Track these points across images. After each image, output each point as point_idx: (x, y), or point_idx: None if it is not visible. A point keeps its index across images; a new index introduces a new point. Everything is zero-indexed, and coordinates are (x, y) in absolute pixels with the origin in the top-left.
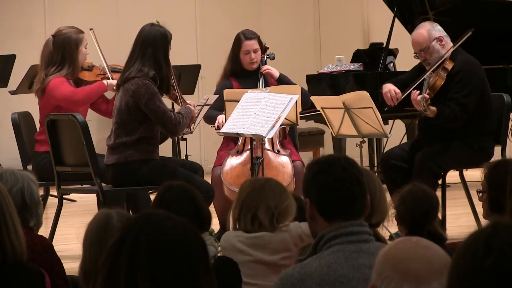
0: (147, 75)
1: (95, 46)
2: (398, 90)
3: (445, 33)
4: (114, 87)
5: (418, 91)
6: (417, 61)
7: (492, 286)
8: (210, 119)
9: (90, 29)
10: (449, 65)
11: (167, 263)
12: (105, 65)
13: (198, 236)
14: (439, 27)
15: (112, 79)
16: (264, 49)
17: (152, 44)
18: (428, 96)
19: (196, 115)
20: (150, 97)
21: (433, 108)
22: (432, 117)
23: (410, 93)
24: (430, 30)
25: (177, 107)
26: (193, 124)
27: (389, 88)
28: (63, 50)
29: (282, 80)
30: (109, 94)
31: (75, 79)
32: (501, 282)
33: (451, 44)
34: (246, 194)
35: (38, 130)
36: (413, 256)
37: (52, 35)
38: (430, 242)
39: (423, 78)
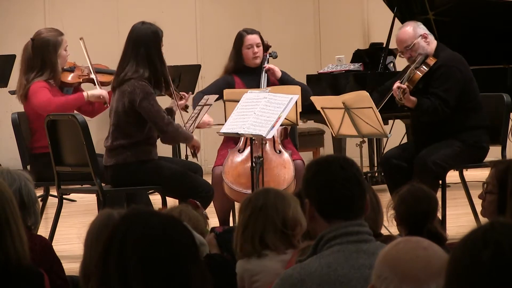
0: (142, 76)
1: (85, 55)
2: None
3: (429, 32)
4: (101, 97)
5: (398, 81)
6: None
7: (490, 278)
8: (197, 97)
9: (80, 39)
10: (431, 61)
11: (156, 258)
12: (89, 66)
13: (185, 229)
14: (423, 26)
15: (96, 81)
16: (266, 47)
17: (144, 43)
18: (404, 86)
19: (195, 115)
20: (144, 96)
21: (412, 98)
22: (411, 108)
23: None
24: (415, 27)
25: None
26: (192, 123)
27: (395, 86)
28: (42, 54)
29: (284, 80)
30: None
31: (58, 83)
32: (498, 274)
33: (435, 42)
34: (247, 217)
35: (31, 137)
36: (413, 258)
37: (31, 38)
38: (430, 242)
39: (409, 70)
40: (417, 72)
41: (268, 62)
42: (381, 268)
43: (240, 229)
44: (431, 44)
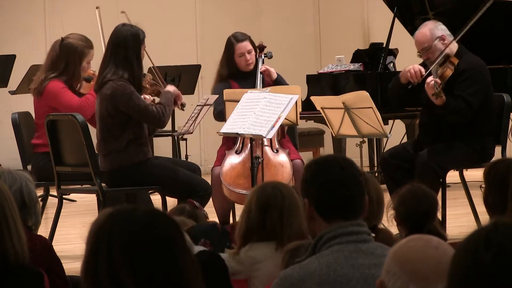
0: (121, 77)
1: (98, 26)
2: (420, 67)
3: (448, 32)
4: None
5: (431, 76)
6: (419, 61)
7: (492, 280)
8: (220, 115)
9: (97, 8)
10: (455, 61)
11: (143, 250)
12: None
13: (169, 219)
14: (442, 26)
15: None
16: (261, 47)
17: (123, 45)
18: (440, 81)
19: (195, 115)
20: (127, 97)
21: (444, 96)
22: (439, 106)
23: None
24: (433, 29)
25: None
26: (192, 123)
27: (411, 66)
28: (67, 58)
29: (279, 82)
30: None
31: (72, 89)
32: (500, 276)
33: (454, 43)
34: (253, 214)
35: (35, 133)
36: (422, 257)
37: (61, 38)
38: (440, 241)
39: (434, 66)
40: (448, 69)
41: (263, 63)
42: (390, 263)
43: (250, 216)
44: (451, 45)
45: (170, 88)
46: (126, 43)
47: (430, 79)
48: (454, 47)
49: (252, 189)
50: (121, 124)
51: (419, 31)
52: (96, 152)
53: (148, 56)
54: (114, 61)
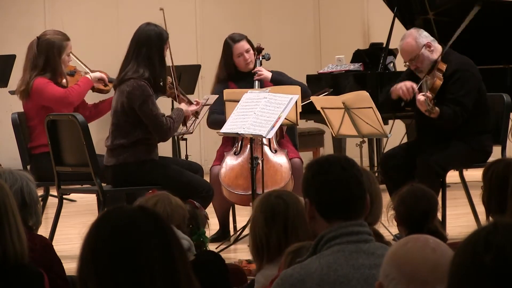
0: (142, 76)
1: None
2: (412, 83)
3: (432, 38)
4: (99, 79)
5: (422, 93)
6: None
7: (491, 282)
8: (215, 124)
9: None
10: (443, 67)
11: (107, 259)
12: (88, 71)
13: (148, 219)
14: (425, 33)
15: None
16: (259, 49)
17: (146, 43)
18: (431, 96)
19: (191, 114)
20: (144, 99)
21: (436, 108)
22: (434, 118)
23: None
24: (417, 38)
25: (176, 105)
26: (192, 123)
27: (402, 84)
28: (46, 55)
29: (276, 80)
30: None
31: (58, 85)
32: (500, 278)
33: (440, 48)
34: (260, 226)
35: (30, 136)
36: (420, 259)
37: (37, 37)
38: (438, 242)
39: (424, 79)
40: (437, 79)
41: (261, 64)
42: (388, 267)
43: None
44: (436, 50)
45: (183, 106)
46: (150, 42)
47: (420, 96)
48: (439, 50)
49: (255, 204)
50: (133, 123)
51: (404, 42)
52: (105, 146)
53: (171, 56)
54: (136, 59)
